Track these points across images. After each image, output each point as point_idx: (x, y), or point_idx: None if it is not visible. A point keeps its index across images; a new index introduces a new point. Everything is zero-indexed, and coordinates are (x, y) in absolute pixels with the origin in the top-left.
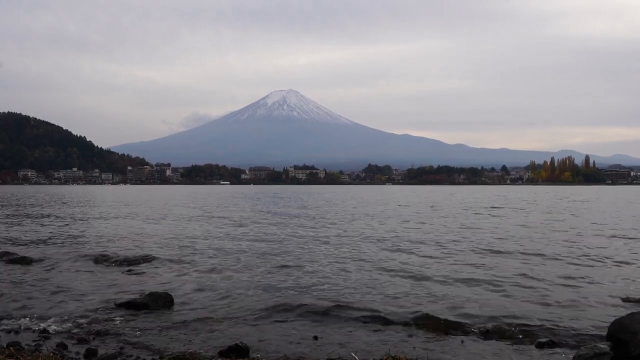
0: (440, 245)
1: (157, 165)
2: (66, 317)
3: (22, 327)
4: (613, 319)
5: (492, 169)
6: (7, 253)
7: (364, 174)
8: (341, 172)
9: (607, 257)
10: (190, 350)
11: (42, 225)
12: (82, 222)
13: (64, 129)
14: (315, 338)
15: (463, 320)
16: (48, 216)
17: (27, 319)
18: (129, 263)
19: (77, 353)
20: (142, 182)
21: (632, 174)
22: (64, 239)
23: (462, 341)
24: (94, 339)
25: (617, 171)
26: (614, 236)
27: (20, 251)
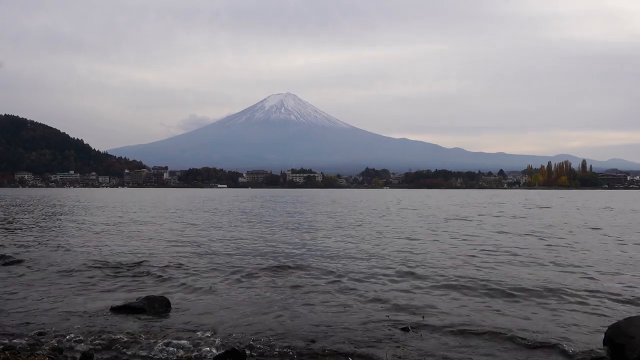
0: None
1: (154, 168)
2: (62, 320)
3: (18, 331)
4: (610, 323)
5: (490, 173)
6: (3, 256)
7: (361, 178)
8: (339, 176)
9: None
10: (187, 355)
11: (39, 228)
12: (79, 226)
13: (61, 131)
14: (313, 341)
15: (459, 320)
16: (48, 218)
17: (23, 322)
18: (126, 267)
19: (73, 357)
20: (139, 185)
21: (628, 178)
22: (60, 243)
23: (459, 342)
24: (89, 343)
25: (614, 175)
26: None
27: (16, 254)
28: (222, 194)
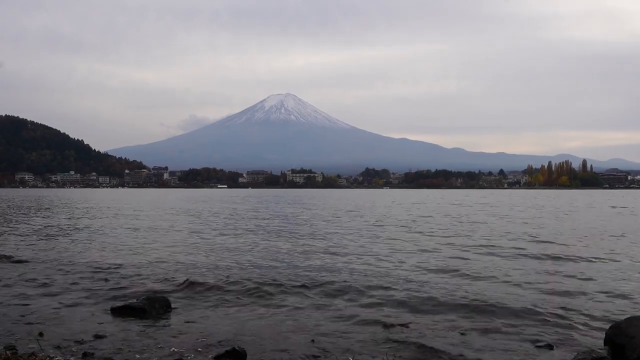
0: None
1: (154, 168)
2: (62, 321)
3: (19, 331)
4: (611, 323)
5: (490, 173)
6: (3, 256)
7: (361, 178)
8: (339, 176)
9: None
10: (187, 355)
11: (40, 229)
12: (77, 228)
13: (62, 132)
14: (313, 341)
15: (461, 320)
16: (46, 219)
17: (24, 322)
18: (126, 268)
19: (73, 356)
20: (140, 186)
21: (629, 178)
22: (62, 242)
23: (459, 342)
24: (90, 342)
25: (614, 175)
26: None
27: (16, 254)
28: (222, 194)
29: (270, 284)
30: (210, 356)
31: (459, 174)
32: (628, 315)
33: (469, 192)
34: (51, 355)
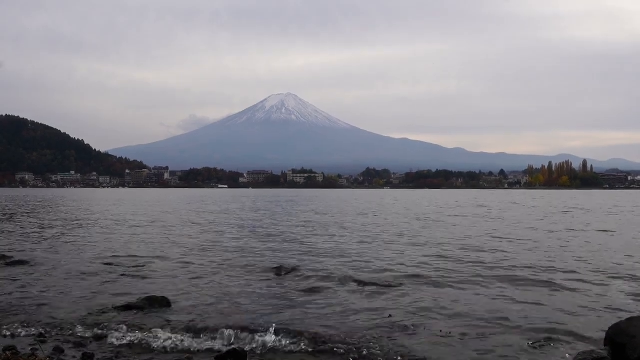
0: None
1: (155, 168)
2: (63, 321)
3: (19, 331)
4: (612, 323)
5: (490, 173)
6: (4, 256)
7: (362, 178)
8: (339, 176)
9: None
10: (187, 355)
11: (39, 228)
12: (78, 227)
13: (62, 132)
14: (315, 342)
15: (461, 320)
16: (46, 219)
17: (24, 322)
18: (127, 267)
19: (74, 357)
20: (140, 186)
21: (629, 178)
22: (61, 243)
23: (459, 342)
24: (90, 343)
25: (615, 175)
26: None
27: (17, 254)
28: (223, 194)
29: (276, 284)
30: (210, 356)
31: (459, 174)
32: (628, 316)
33: (469, 192)
34: (51, 356)
